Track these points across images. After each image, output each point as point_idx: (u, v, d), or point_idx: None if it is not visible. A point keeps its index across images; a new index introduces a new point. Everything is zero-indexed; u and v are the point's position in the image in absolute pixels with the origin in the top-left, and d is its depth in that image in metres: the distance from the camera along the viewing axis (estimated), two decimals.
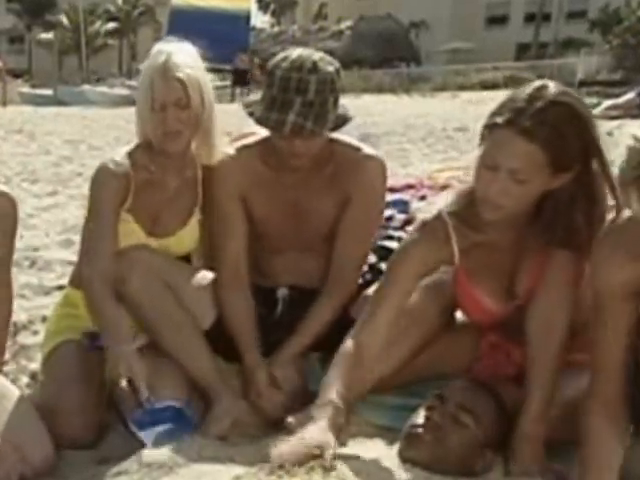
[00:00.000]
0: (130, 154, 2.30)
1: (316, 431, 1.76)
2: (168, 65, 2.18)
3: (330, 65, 2.16)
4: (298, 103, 2.10)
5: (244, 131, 2.54)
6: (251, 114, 2.18)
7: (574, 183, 1.81)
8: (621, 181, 1.52)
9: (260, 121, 2.17)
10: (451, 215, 1.97)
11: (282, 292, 2.42)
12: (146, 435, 1.91)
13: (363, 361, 1.97)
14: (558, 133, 1.72)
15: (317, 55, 2.17)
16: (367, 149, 2.35)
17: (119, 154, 2.29)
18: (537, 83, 1.80)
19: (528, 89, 1.77)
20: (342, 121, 2.21)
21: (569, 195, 1.83)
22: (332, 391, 1.87)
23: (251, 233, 2.39)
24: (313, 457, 1.66)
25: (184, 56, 2.22)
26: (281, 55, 2.19)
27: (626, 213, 1.67)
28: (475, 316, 2.15)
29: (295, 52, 2.17)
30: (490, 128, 1.78)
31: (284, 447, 1.71)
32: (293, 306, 2.38)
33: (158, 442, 1.87)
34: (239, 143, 2.40)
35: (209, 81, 2.27)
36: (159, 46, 2.26)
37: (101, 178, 2.26)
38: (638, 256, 1.62)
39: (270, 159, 2.31)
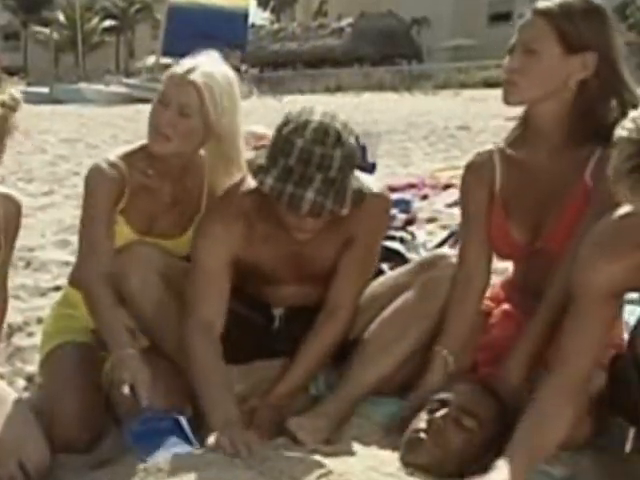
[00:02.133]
0: (129, 155, 2.29)
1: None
2: (194, 69, 2.16)
3: (351, 135, 2.02)
4: (319, 180, 1.94)
5: (252, 130, 2.49)
6: (261, 183, 1.99)
7: (597, 79, 1.99)
8: (614, 176, 1.50)
9: (273, 193, 1.97)
10: (500, 148, 2.16)
11: (278, 311, 2.36)
12: (140, 446, 1.89)
13: (473, 292, 2.17)
14: (569, 14, 1.98)
15: (339, 122, 1.99)
16: (371, 184, 2.16)
17: (113, 154, 2.29)
18: None
19: None
20: (359, 197, 2.05)
21: (596, 90, 2.00)
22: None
23: (245, 272, 2.23)
24: None
25: (216, 71, 2.19)
26: (297, 117, 1.99)
27: (620, 211, 1.67)
28: (502, 249, 2.20)
29: (315, 117, 1.98)
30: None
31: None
32: (290, 322, 2.34)
33: (151, 451, 1.85)
34: (232, 192, 2.21)
35: (237, 109, 2.21)
36: (200, 55, 2.23)
37: (94, 178, 2.24)
38: (621, 257, 1.63)
39: (270, 212, 2.10)
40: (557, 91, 2.02)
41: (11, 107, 1.98)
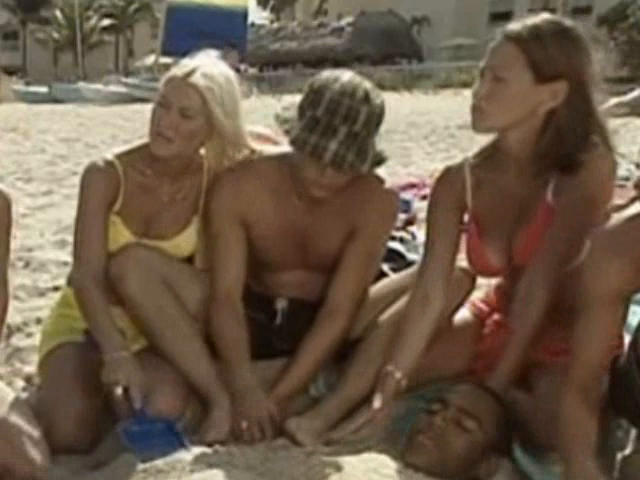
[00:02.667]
0: (126, 154, 2.29)
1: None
2: (195, 71, 2.15)
3: (379, 98, 2.07)
4: (343, 132, 1.99)
5: (252, 130, 2.49)
6: (287, 132, 2.07)
7: (566, 108, 1.94)
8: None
9: (296, 143, 2.04)
10: (471, 162, 2.14)
11: (281, 303, 2.38)
12: (134, 446, 1.90)
13: (427, 318, 2.10)
14: (540, 40, 1.90)
15: (368, 84, 2.07)
16: (382, 178, 2.24)
17: (110, 153, 2.29)
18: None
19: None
20: (378, 161, 2.11)
21: (565, 119, 1.95)
22: (398, 360, 2.06)
23: (252, 252, 2.31)
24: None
25: (216, 71, 2.18)
26: (329, 74, 2.08)
27: (628, 212, 1.67)
28: (480, 270, 2.20)
29: (345, 75, 2.07)
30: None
31: None
32: (292, 317, 2.36)
33: (144, 454, 1.86)
34: (248, 161, 2.28)
35: (238, 107, 2.21)
36: (198, 55, 2.23)
37: (88, 178, 2.24)
38: (633, 260, 1.63)
39: (282, 182, 2.21)
40: (525, 119, 1.97)
41: None
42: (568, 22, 1.98)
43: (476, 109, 1.98)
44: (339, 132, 1.99)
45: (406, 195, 5.18)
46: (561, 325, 2.00)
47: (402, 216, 4.29)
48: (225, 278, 2.25)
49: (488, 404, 1.92)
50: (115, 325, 2.14)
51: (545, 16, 1.97)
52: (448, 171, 2.18)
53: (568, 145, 1.96)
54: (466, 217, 2.19)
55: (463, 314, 2.31)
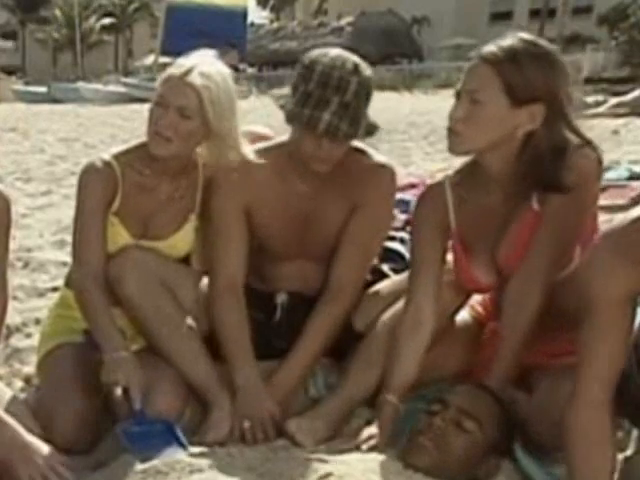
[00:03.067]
0: (124, 154, 2.29)
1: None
2: (191, 70, 2.15)
3: (368, 70, 2.13)
4: (335, 103, 2.05)
5: (251, 129, 2.50)
6: (282, 107, 2.12)
7: (545, 129, 1.91)
8: None
9: (291, 116, 2.10)
10: (451, 180, 2.12)
11: (281, 298, 2.40)
12: (133, 447, 1.90)
13: (419, 343, 2.09)
14: (516, 63, 1.87)
15: (356, 58, 2.13)
16: (377, 156, 2.31)
17: (108, 153, 2.29)
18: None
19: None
20: (371, 130, 2.16)
21: (544, 140, 1.92)
22: (394, 385, 2.04)
23: (254, 241, 2.34)
24: None
25: (213, 70, 2.18)
26: (319, 51, 2.15)
27: (633, 214, 1.66)
28: (471, 288, 2.19)
29: (334, 50, 2.14)
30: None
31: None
32: (292, 312, 2.37)
33: (144, 455, 1.86)
34: (250, 148, 2.32)
35: (234, 106, 2.22)
36: (194, 54, 2.23)
37: (86, 179, 2.25)
38: (638, 260, 1.62)
39: (283, 168, 2.25)
40: (503, 141, 1.95)
41: None
42: (544, 43, 1.94)
43: (452, 132, 1.96)
44: (331, 103, 2.04)
45: (406, 195, 5.17)
46: (562, 329, 2.00)
47: (402, 216, 4.28)
48: (227, 266, 2.28)
49: (488, 405, 1.92)
50: (115, 325, 2.14)
51: (521, 36, 1.93)
52: (429, 190, 2.18)
53: (547, 164, 1.93)
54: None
55: (463, 316, 2.31)
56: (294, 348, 2.22)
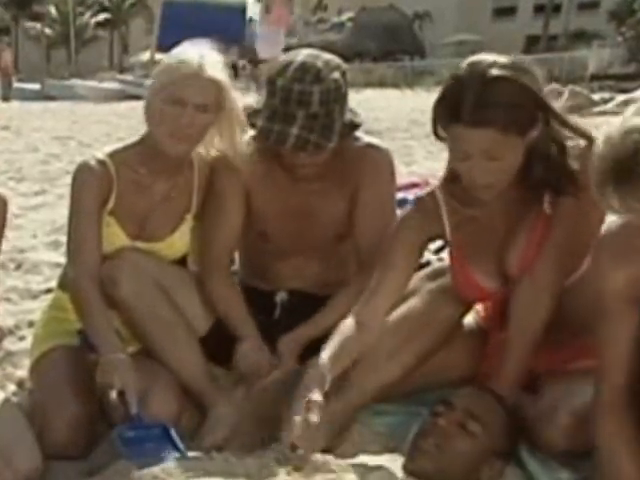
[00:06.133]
0: (119, 152, 2.29)
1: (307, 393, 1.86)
2: (204, 64, 2.15)
3: (336, 70, 2.12)
4: (301, 116, 2.07)
5: None
6: (253, 125, 2.16)
7: (543, 134, 1.91)
8: (597, 190, 1.54)
9: (262, 133, 2.13)
10: (443, 190, 2.08)
11: (281, 296, 2.42)
12: (128, 452, 1.90)
13: (362, 337, 2.03)
14: (502, 109, 1.82)
15: (322, 60, 2.13)
16: (369, 139, 2.33)
17: (102, 152, 2.29)
18: (467, 62, 1.90)
19: (461, 72, 1.87)
20: (350, 128, 2.19)
21: (543, 144, 1.92)
22: (324, 357, 1.95)
23: (256, 236, 2.38)
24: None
25: (217, 58, 2.20)
26: (284, 60, 2.15)
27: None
28: (471, 296, 2.17)
29: (299, 57, 2.13)
30: (441, 124, 1.88)
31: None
32: (292, 311, 2.38)
33: (140, 459, 1.85)
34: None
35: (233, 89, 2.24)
36: (187, 45, 2.23)
37: (80, 178, 2.25)
38: (638, 260, 1.63)
39: (283, 158, 2.27)
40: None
41: None
42: (496, 68, 1.85)
43: (479, 188, 1.93)
44: (297, 117, 2.08)
45: (408, 195, 5.17)
46: (572, 335, 2.02)
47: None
48: (219, 242, 2.34)
49: (493, 408, 1.92)
50: (112, 326, 2.14)
51: (472, 74, 1.85)
52: (421, 202, 2.13)
53: (555, 163, 1.94)
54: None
55: (468, 321, 2.30)
56: (322, 310, 2.26)
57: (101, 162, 2.25)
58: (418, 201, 2.15)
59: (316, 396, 1.86)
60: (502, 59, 1.88)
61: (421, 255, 2.16)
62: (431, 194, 2.11)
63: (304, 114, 2.07)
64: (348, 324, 2.03)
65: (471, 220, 2.07)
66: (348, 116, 2.18)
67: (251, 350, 2.21)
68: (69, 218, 2.28)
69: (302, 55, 2.15)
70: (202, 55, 2.18)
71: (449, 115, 1.85)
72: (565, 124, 1.95)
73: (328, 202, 2.31)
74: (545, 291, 2.00)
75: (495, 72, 1.84)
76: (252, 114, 2.18)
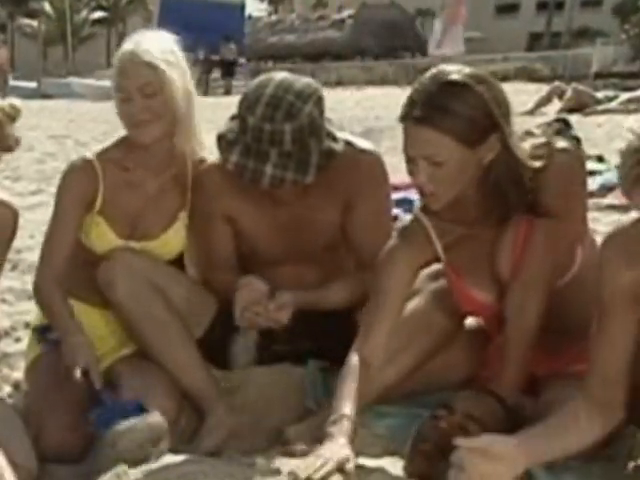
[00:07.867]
0: (106, 151, 2.31)
1: (336, 447, 1.78)
2: (136, 50, 2.18)
3: (308, 101, 2.08)
4: (274, 154, 2.06)
5: None
6: (226, 160, 2.12)
7: (506, 150, 1.89)
8: (623, 184, 1.53)
9: (237, 169, 2.10)
10: (427, 214, 2.05)
11: None
12: (107, 430, 1.91)
13: (369, 375, 2.01)
14: (450, 112, 1.82)
15: (293, 92, 2.08)
16: (360, 143, 2.30)
17: (90, 151, 2.32)
18: (432, 71, 1.91)
19: (426, 74, 1.90)
20: (327, 159, 2.14)
21: (504, 164, 1.90)
22: (345, 406, 1.90)
23: (248, 251, 2.36)
24: (335, 472, 1.70)
25: (156, 42, 2.22)
26: (253, 91, 2.11)
27: (633, 214, 1.68)
28: (473, 310, 2.18)
29: (268, 90, 2.09)
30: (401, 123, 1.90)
31: (300, 464, 1.72)
32: (291, 318, 2.36)
33: (120, 437, 1.88)
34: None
35: (187, 70, 2.25)
36: (132, 35, 2.27)
37: (63, 181, 2.29)
38: None
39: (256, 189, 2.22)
40: (473, 177, 1.92)
41: (9, 115, 2.00)
42: (454, 74, 1.86)
43: (424, 194, 1.94)
44: (271, 155, 2.06)
45: (409, 194, 5.18)
46: (570, 340, 2.03)
47: (407, 216, 4.28)
48: (220, 281, 2.31)
49: (494, 410, 1.92)
50: (72, 314, 2.20)
51: (433, 79, 1.87)
52: (406, 231, 2.10)
53: (520, 177, 1.92)
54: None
55: (468, 322, 2.30)
56: (324, 286, 2.29)
57: (87, 162, 2.27)
58: (403, 231, 2.11)
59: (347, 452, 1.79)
60: (469, 70, 1.88)
61: (414, 282, 2.14)
62: (415, 220, 2.09)
63: (277, 152, 2.06)
64: (353, 365, 2.00)
65: (460, 237, 2.06)
66: (326, 144, 2.14)
67: (248, 282, 2.20)
68: (50, 219, 2.30)
69: (272, 87, 2.09)
70: (137, 42, 2.21)
71: (403, 113, 1.88)
72: (511, 155, 1.90)
73: (318, 213, 2.28)
74: (535, 289, 2.00)
75: (453, 77, 1.85)
76: (225, 146, 2.14)
